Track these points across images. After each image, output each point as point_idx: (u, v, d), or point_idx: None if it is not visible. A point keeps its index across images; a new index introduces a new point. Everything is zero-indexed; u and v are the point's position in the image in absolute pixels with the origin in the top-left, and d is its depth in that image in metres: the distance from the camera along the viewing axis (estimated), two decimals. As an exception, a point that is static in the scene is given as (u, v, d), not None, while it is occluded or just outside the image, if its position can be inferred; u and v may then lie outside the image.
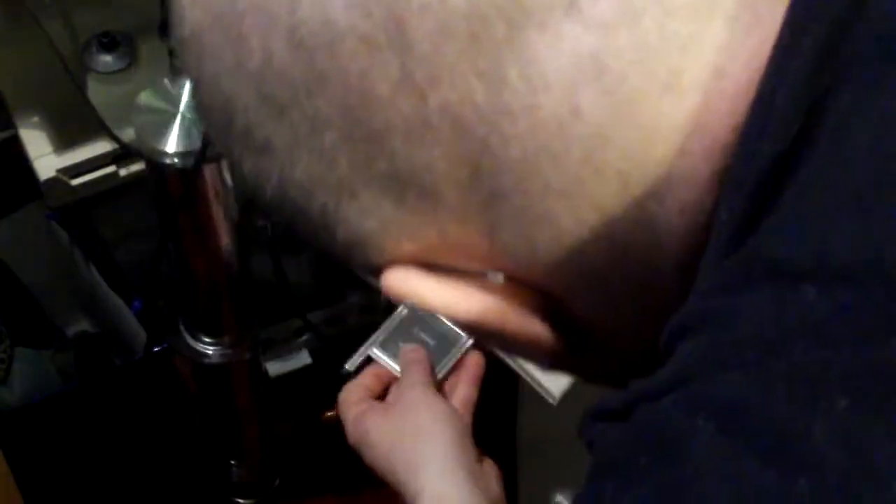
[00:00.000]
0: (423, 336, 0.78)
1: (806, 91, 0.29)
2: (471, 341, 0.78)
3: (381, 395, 0.75)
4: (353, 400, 0.74)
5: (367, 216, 0.35)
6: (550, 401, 0.77)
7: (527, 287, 0.37)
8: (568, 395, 0.78)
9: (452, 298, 0.37)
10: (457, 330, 0.78)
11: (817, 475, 0.27)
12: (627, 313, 0.38)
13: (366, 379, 0.75)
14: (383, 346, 0.77)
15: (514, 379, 0.79)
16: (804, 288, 0.29)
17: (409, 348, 0.76)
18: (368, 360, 0.77)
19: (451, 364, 0.77)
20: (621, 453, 0.33)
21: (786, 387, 0.29)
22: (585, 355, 0.40)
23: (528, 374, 0.77)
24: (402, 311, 0.79)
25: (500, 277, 0.36)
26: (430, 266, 0.36)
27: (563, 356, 0.40)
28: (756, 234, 0.31)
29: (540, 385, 0.77)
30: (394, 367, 0.76)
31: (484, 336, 0.39)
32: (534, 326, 0.38)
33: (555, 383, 0.77)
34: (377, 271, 0.37)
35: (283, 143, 0.33)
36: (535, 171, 0.32)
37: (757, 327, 0.30)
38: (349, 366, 0.77)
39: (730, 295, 0.32)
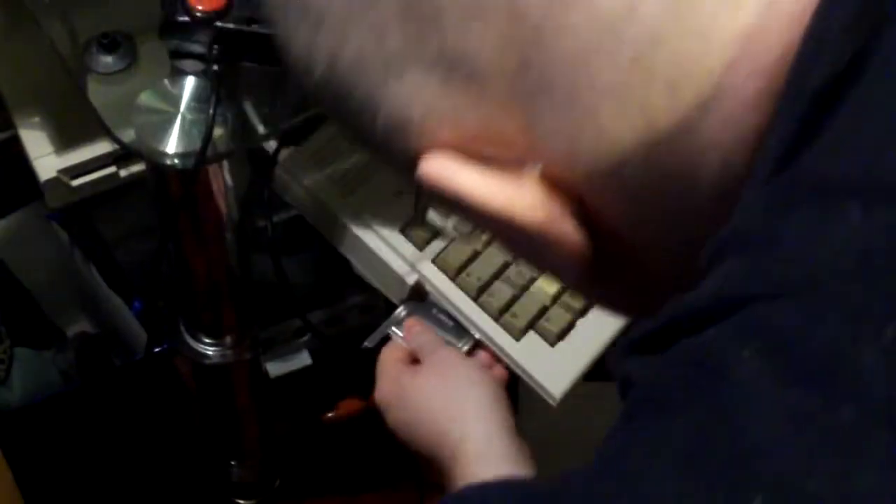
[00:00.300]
0: (432, 326, 0.79)
1: (863, 16, 0.29)
2: (476, 338, 0.78)
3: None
4: (395, 357, 0.76)
5: (411, 98, 0.35)
6: (550, 401, 0.77)
7: (563, 189, 0.36)
8: (568, 396, 0.78)
9: (488, 189, 0.37)
10: (462, 326, 0.78)
11: (861, 404, 0.27)
12: (661, 232, 0.38)
13: (411, 343, 0.77)
14: (403, 326, 0.78)
15: (514, 379, 0.79)
16: (851, 207, 0.28)
17: (412, 322, 0.79)
18: (387, 339, 0.78)
19: None
20: (661, 386, 0.33)
21: (831, 314, 0.29)
22: (613, 274, 0.40)
23: (528, 374, 0.77)
24: (401, 311, 0.79)
25: (538, 171, 0.36)
26: (469, 156, 0.36)
27: (590, 270, 0.39)
28: (804, 155, 0.30)
29: (540, 385, 0.77)
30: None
31: (513, 238, 0.39)
32: (565, 228, 0.37)
33: (555, 383, 0.77)
34: (414, 161, 0.37)
35: (338, 17, 0.34)
36: (583, 66, 0.32)
37: (801, 250, 0.30)
38: (369, 342, 0.78)
39: (774, 215, 0.32)
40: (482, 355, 0.78)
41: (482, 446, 0.69)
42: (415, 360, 0.77)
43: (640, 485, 0.32)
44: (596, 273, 0.40)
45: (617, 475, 0.33)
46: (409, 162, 0.37)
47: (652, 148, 0.34)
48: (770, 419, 0.29)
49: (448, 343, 0.77)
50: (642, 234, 0.38)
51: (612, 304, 0.46)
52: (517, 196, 0.37)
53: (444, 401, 0.72)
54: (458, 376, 0.73)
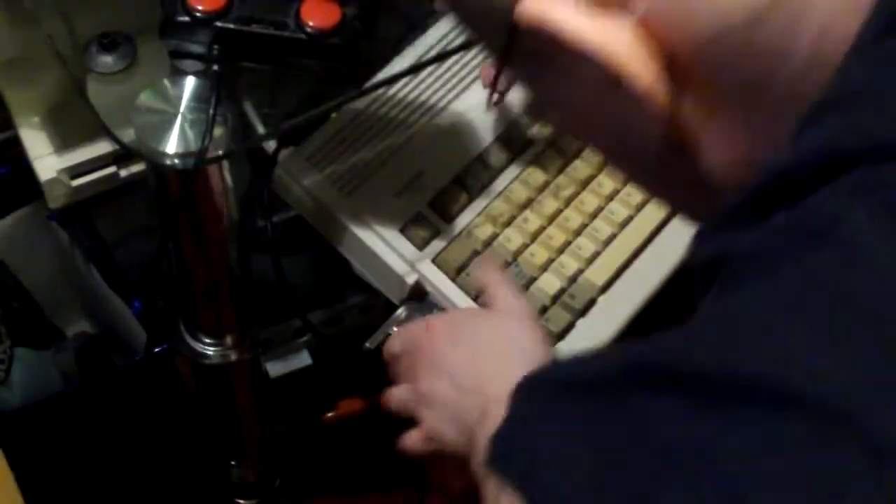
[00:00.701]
0: None
1: None
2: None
3: None
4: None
5: None
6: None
7: (658, 43, 0.38)
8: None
9: (588, 27, 0.38)
10: None
11: None
12: (743, 107, 0.39)
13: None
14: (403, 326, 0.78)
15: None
16: None
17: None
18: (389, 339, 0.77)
19: None
20: (767, 251, 0.33)
21: None
22: (685, 151, 0.40)
23: (528, 374, 0.77)
24: (401, 312, 0.79)
25: (640, 15, 0.37)
26: None
27: (667, 139, 0.39)
28: None
29: (540, 385, 0.77)
30: None
31: (598, 92, 0.40)
32: (656, 82, 0.38)
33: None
34: (511, 6, 0.38)
35: None
36: None
37: None
38: (370, 343, 0.77)
39: (884, 74, 0.32)
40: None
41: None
42: None
43: (763, 339, 0.32)
44: (671, 145, 0.40)
45: (728, 325, 0.33)
46: (508, 6, 0.38)
47: (758, 16, 0.35)
48: (880, 276, 0.29)
49: None
50: (723, 109, 0.38)
51: (671, 193, 0.46)
52: (615, 36, 0.38)
53: (507, 342, 0.66)
54: (503, 333, 0.67)
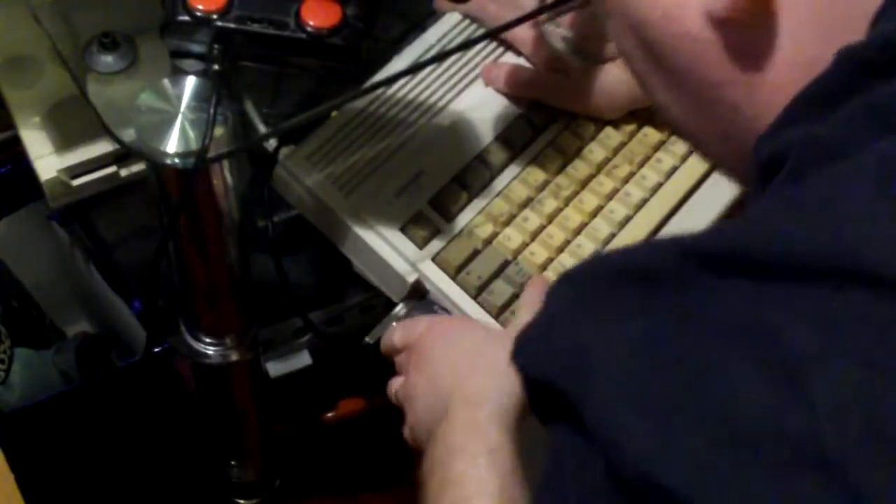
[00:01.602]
0: None
1: None
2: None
3: None
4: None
5: None
6: (551, 400, 0.77)
7: None
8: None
9: None
10: None
11: None
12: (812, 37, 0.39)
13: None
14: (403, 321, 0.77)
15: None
16: None
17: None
18: None
19: None
20: (840, 133, 0.34)
21: None
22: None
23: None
24: (401, 308, 0.79)
25: None
26: None
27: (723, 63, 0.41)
28: None
29: (540, 384, 0.77)
30: None
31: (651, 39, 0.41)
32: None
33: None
34: None
35: None
36: None
37: None
38: (369, 338, 0.78)
39: None
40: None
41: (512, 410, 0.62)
42: None
43: (832, 214, 0.33)
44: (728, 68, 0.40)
45: (798, 210, 0.34)
46: None
47: None
48: None
49: None
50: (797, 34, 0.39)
51: (706, 136, 0.46)
52: None
53: (465, 360, 0.66)
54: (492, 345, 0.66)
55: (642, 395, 0.35)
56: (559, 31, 0.83)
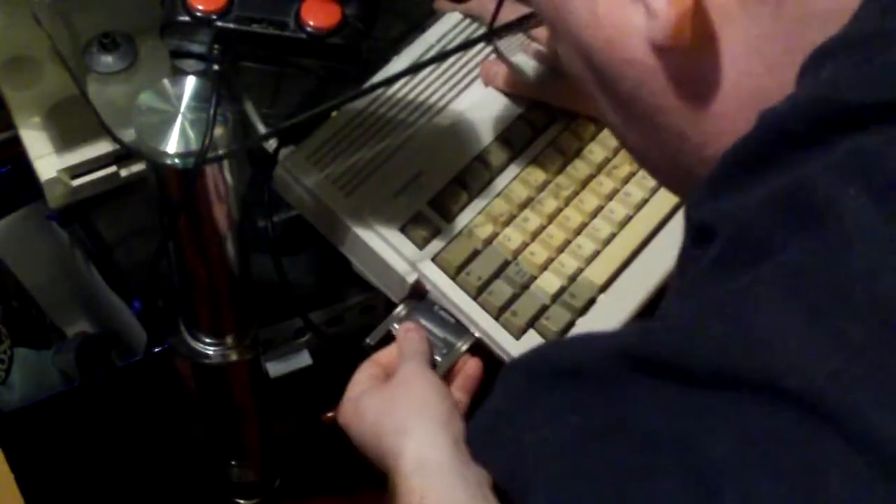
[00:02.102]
0: (432, 324, 0.78)
1: None
2: (476, 336, 0.78)
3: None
4: (361, 379, 0.73)
5: None
6: (550, 400, 0.77)
7: None
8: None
9: None
10: (463, 325, 0.78)
11: None
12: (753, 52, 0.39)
13: (381, 359, 0.75)
14: (403, 322, 0.78)
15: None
16: None
17: (406, 326, 0.76)
18: (389, 335, 0.77)
19: (452, 358, 0.77)
20: (757, 228, 0.33)
21: None
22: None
23: (528, 373, 0.78)
24: (401, 309, 0.79)
25: None
26: None
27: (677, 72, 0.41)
28: None
29: (540, 385, 0.77)
30: None
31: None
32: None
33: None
34: None
35: None
36: None
37: None
38: (370, 339, 0.78)
39: (892, 18, 0.32)
40: (458, 379, 0.75)
41: (422, 454, 0.63)
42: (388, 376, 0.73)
43: (748, 323, 0.32)
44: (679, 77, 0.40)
45: (721, 317, 0.33)
46: None
47: None
48: (875, 259, 0.29)
49: (447, 343, 0.77)
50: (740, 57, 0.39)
51: (647, 149, 0.46)
52: None
53: (393, 419, 0.67)
54: (412, 397, 0.68)
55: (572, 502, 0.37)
56: (531, 45, 0.84)
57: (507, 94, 0.86)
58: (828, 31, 0.36)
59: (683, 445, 0.34)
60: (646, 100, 0.44)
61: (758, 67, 0.39)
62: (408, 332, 0.76)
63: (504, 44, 0.84)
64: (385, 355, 0.75)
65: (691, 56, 0.41)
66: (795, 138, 0.34)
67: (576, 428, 0.39)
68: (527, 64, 0.83)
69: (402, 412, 0.67)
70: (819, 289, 0.32)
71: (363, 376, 0.73)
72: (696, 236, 0.39)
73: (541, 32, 0.83)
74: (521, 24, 0.76)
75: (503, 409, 0.45)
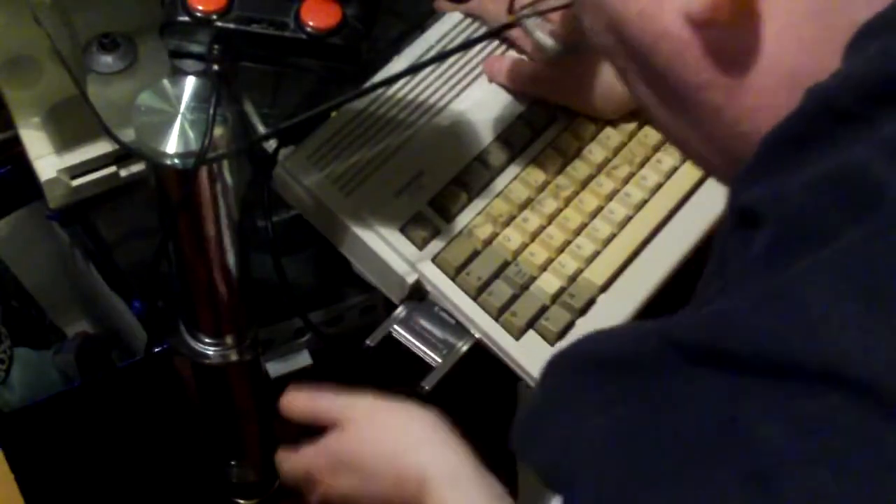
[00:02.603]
0: (432, 325, 0.78)
1: None
2: (475, 337, 0.78)
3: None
4: (300, 454, 0.72)
5: None
6: (550, 401, 0.77)
7: None
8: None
9: None
10: (463, 325, 0.78)
11: None
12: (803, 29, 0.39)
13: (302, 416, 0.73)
14: (403, 324, 0.77)
15: (514, 379, 0.79)
16: None
17: (288, 399, 0.74)
18: (389, 337, 0.77)
19: (452, 358, 0.77)
20: (813, 209, 0.33)
21: None
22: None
23: (527, 373, 0.78)
24: (401, 310, 0.79)
25: None
26: None
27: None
28: None
29: (540, 385, 0.77)
30: (414, 343, 0.76)
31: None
32: None
33: (555, 383, 0.77)
34: None
35: None
36: None
37: None
38: (370, 340, 0.77)
39: None
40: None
41: (447, 468, 0.63)
42: (317, 430, 0.71)
43: (805, 310, 0.33)
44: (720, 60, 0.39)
45: (776, 304, 0.33)
46: None
47: None
48: None
49: (447, 343, 0.77)
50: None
51: (690, 136, 0.45)
52: None
53: (390, 441, 0.65)
54: (392, 416, 0.67)
55: (619, 499, 0.37)
56: (546, 24, 0.83)
57: (507, 93, 0.86)
58: (872, 8, 0.35)
59: (737, 435, 0.34)
60: (679, 74, 0.43)
61: (797, 44, 0.39)
62: (293, 402, 0.74)
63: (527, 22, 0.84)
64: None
65: (729, 30, 0.40)
66: (843, 115, 0.34)
67: (623, 419, 0.38)
68: (546, 41, 0.83)
69: (398, 434, 0.66)
70: (877, 274, 0.32)
71: (298, 456, 0.72)
72: (740, 222, 0.38)
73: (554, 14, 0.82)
74: (536, 10, 0.75)
75: (548, 403, 0.45)
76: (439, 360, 0.76)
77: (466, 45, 0.87)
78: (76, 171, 0.83)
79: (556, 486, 0.40)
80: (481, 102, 0.86)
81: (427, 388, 0.75)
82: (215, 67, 0.67)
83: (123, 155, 0.83)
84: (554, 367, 0.46)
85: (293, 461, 0.72)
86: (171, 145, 0.66)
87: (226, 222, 0.75)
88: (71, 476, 0.98)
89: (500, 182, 0.83)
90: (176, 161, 0.67)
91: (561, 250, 0.81)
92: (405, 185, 0.81)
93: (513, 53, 0.88)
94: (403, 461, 0.64)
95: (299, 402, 0.74)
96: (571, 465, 0.39)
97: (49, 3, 0.79)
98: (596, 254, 0.81)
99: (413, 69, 0.83)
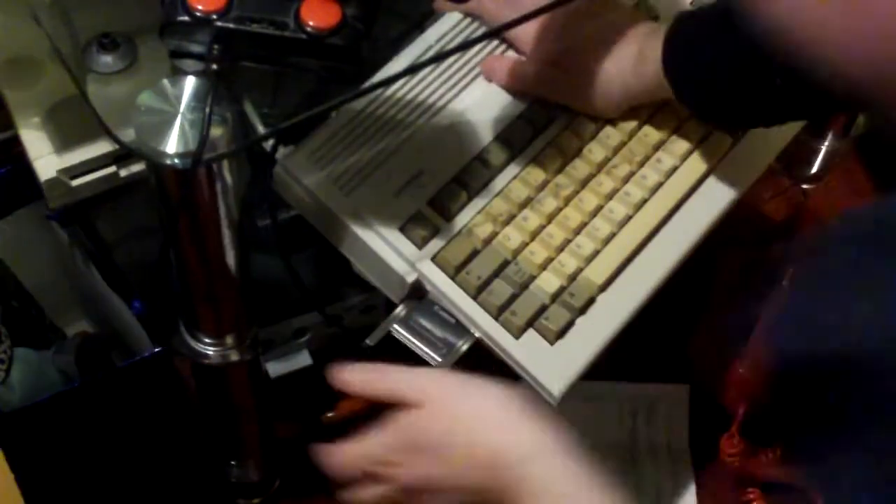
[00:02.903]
0: (431, 324, 0.78)
1: None
2: (475, 336, 0.78)
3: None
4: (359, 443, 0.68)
5: None
6: (550, 400, 0.77)
7: None
8: (567, 396, 0.78)
9: None
10: (463, 324, 0.78)
11: None
12: None
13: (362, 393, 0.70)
14: (403, 323, 0.77)
15: (514, 378, 0.79)
16: None
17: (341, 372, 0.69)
18: (389, 336, 0.77)
19: (452, 358, 0.77)
20: None
21: None
22: None
23: (527, 372, 0.78)
24: (401, 310, 0.79)
25: None
26: None
27: None
28: None
29: (539, 384, 0.77)
30: (414, 342, 0.76)
31: None
32: None
33: (554, 382, 0.77)
34: None
35: None
36: None
37: None
38: (370, 340, 0.77)
39: None
40: None
41: (544, 447, 0.59)
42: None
43: None
44: None
45: None
46: None
47: None
48: None
49: (447, 343, 0.77)
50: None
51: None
52: None
53: (478, 420, 0.60)
54: (478, 393, 0.62)
55: None
56: None
57: (507, 92, 0.86)
58: None
59: None
60: None
61: None
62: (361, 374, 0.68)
63: None
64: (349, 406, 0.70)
65: None
66: None
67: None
68: None
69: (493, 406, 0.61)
70: None
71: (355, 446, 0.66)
72: None
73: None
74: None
75: (808, 301, 0.41)
76: (439, 360, 0.76)
77: (466, 45, 0.87)
78: (76, 171, 0.83)
79: (840, 369, 0.37)
80: (481, 102, 0.86)
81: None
82: (213, 67, 0.67)
83: (123, 155, 0.83)
84: (805, 266, 0.43)
85: (354, 449, 0.66)
86: (171, 145, 0.66)
87: (226, 222, 0.75)
88: (71, 476, 0.98)
89: (500, 181, 0.83)
90: (175, 161, 0.67)
91: (561, 249, 0.81)
92: (405, 184, 0.81)
93: (512, 53, 0.88)
94: (497, 440, 0.59)
95: (361, 374, 0.67)
96: (862, 340, 0.37)
97: (49, 3, 0.79)
98: (596, 253, 0.81)
99: (412, 69, 0.83)
